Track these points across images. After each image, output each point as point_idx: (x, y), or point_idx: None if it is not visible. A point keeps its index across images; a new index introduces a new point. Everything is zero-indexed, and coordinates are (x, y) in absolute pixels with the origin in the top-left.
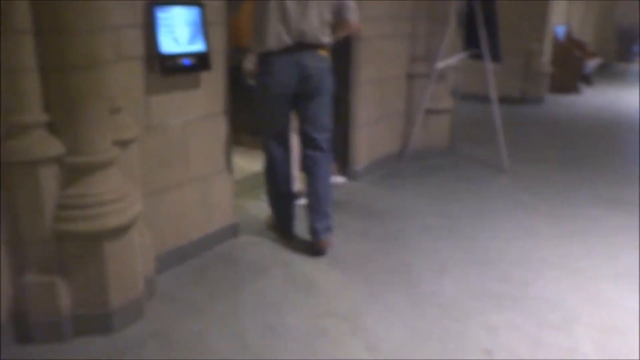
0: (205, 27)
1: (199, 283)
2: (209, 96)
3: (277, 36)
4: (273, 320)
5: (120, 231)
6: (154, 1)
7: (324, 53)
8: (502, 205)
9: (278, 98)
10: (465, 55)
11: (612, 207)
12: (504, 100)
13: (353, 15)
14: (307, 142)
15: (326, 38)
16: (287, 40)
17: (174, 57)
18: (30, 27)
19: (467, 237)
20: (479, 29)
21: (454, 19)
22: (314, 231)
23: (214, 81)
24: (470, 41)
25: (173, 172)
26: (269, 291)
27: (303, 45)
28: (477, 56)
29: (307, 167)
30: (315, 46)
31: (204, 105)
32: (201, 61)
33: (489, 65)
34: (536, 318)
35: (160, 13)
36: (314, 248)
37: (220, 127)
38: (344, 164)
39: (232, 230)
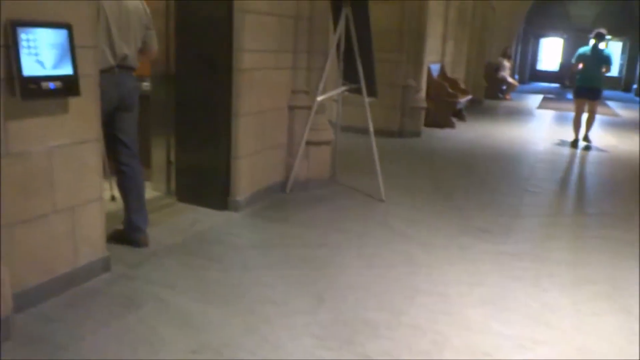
0: (73, 50)
1: (62, 321)
2: (78, 122)
3: (104, 57)
4: (143, 357)
5: None
6: (16, 21)
7: (135, 75)
8: (379, 234)
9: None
10: (344, 89)
11: (480, 236)
12: (383, 133)
13: (156, 44)
14: (123, 150)
15: (137, 62)
16: (111, 61)
17: (37, 80)
18: None
19: (345, 266)
20: (357, 64)
21: (333, 53)
22: (141, 229)
23: (84, 107)
24: (349, 76)
25: (36, 202)
26: (139, 327)
27: (124, 68)
28: (355, 90)
29: (127, 172)
30: (132, 69)
31: (72, 132)
32: (69, 86)
33: (367, 100)
34: (408, 345)
35: (23, 34)
36: (143, 243)
37: (90, 155)
38: (224, 195)
39: (103, 264)
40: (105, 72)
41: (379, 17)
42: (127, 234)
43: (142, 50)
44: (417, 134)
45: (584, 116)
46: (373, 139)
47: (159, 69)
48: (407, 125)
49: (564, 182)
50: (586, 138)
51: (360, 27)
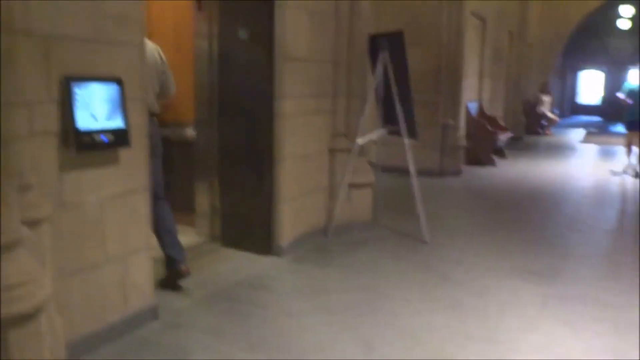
0: (124, 103)
1: None
2: (128, 173)
3: None
4: None
5: (27, 318)
6: (70, 77)
7: (156, 119)
8: (425, 278)
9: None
10: (384, 131)
11: (528, 278)
12: (423, 173)
13: (173, 87)
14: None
15: (157, 106)
16: None
17: (90, 134)
18: None
19: (392, 312)
20: (396, 106)
21: (372, 96)
22: (179, 260)
23: (134, 157)
24: (388, 118)
25: (88, 251)
26: None
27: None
28: (395, 132)
29: (158, 213)
30: (153, 114)
31: (122, 182)
32: (120, 137)
33: (407, 142)
34: None
35: (77, 89)
36: (183, 275)
37: (139, 204)
38: (268, 240)
39: (152, 312)
40: None
41: (415, 59)
42: (169, 274)
43: (161, 94)
44: (457, 172)
45: (635, 149)
46: (414, 180)
47: (202, 115)
48: (448, 165)
49: (613, 218)
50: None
51: (398, 70)
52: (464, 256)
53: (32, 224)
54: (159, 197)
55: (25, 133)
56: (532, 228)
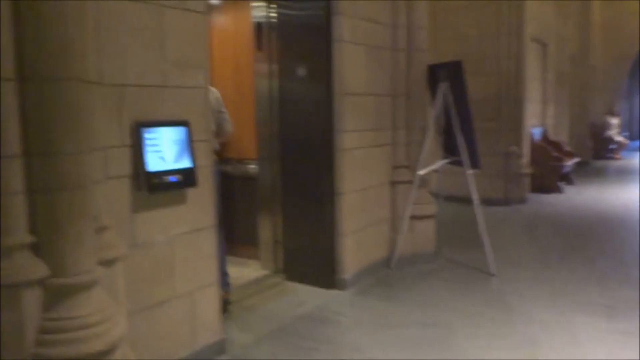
0: (191, 145)
1: None
2: (195, 211)
3: None
4: None
5: (103, 355)
6: (141, 123)
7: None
8: (493, 312)
9: None
10: (446, 162)
11: (605, 313)
12: (487, 201)
13: (229, 126)
14: None
15: (215, 144)
16: None
17: (160, 175)
18: (20, 151)
19: (459, 348)
20: (457, 136)
21: (433, 127)
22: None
23: (201, 196)
24: (449, 148)
25: (158, 288)
26: None
27: None
28: (457, 163)
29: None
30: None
31: (190, 220)
32: (187, 177)
33: (470, 172)
34: None
35: (147, 134)
36: (226, 300)
37: (207, 241)
38: (331, 273)
39: (219, 347)
40: None
41: (476, 87)
42: None
43: (217, 133)
44: (522, 200)
45: None
46: (479, 211)
47: (263, 151)
48: (512, 193)
49: None
50: None
51: (458, 100)
52: (533, 289)
53: (107, 263)
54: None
55: (101, 177)
56: (604, 258)
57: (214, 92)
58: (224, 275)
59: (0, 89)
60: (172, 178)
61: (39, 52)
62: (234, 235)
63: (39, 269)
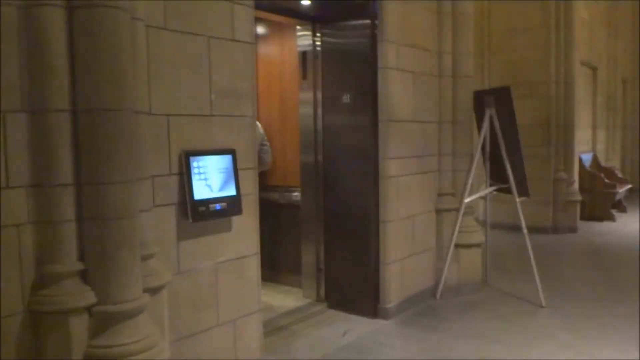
0: (236, 173)
1: None
2: (240, 239)
3: None
4: None
5: None
6: (189, 152)
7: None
8: (544, 347)
9: None
10: (493, 189)
11: None
12: (535, 229)
13: (269, 158)
14: None
15: None
16: None
17: (206, 203)
18: (72, 179)
19: None
20: (505, 163)
21: (479, 154)
22: None
23: (245, 224)
24: (496, 175)
25: (202, 316)
26: None
27: None
28: (505, 190)
29: None
30: None
31: (235, 248)
32: (232, 206)
33: (517, 200)
34: None
35: (195, 162)
36: None
37: (250, 269)
38: (374, 302)
39: None
40: None
41: (524, 112)
42: None
43: (259, 163)
44: (573, 229)
45: None
46: (527, 239)
47: (308, 178)
48: (562, 221)
49: None
50: None
51: (506, 126)
52: (587, 323)
53: (153, 290)
54: None
55: (148, 206)
56: None
57: (259, 126)
58: None
59: (55, 120)
60: (218, 206)
61: (92, 85)
62: (278, 263)
63: (87, 295)
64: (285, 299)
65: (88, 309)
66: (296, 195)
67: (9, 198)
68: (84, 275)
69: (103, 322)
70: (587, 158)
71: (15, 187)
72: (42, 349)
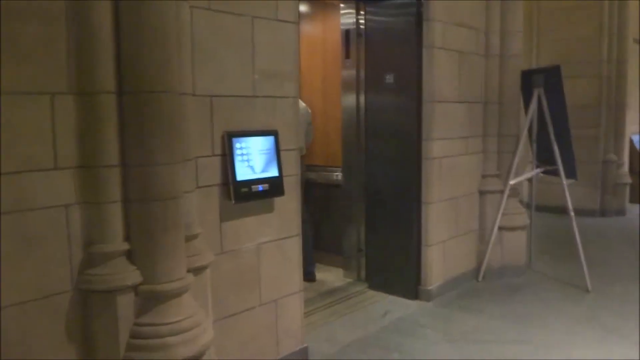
0: (279, 154)
1: None
2: (281, 220)
3: None
4: None
5: None
6: (232, 132)
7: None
8: (589, 332)
9: None
10: (539, 171)
11: None
12: (582, 212)
13: (310, 139)
14: None
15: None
16: None
17: (248, 184)
18: (118, 161)
19: None
20: (553, 145)
21: (525, 135)
22: (310, 272)
23: (287, 205)
24: (543, 157)
25: (244, 296)
26: None
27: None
28: (552, 172)
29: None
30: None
31: (277, 229)
32: (275, 187)
33: (565, 182)
34: None
35: (237, 143)
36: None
37: (292, 250)
38: (415, 283)
39: (302, 355)
40: None
41: (573, 92)
42: None
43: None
44: (621, 212)
45: None
46: (574, 222)
47: (349, 158)
48: (610, 203)
49: None
50: None
51: (554, 107)
52: (634, 308)
53: (197, 271)
54: (305, 221)
55: (192, 187)
56: None
57: (305, 106)
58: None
59: (101, 102)
60: (260, 187)
61: (138, 67)
62: (318, 243)
63: (133, 275)
64: (326, 278)
65: (134, 288)
66: (337, 175)
67: (58, 179)
68: (129, 256)
69: (148, 301)
70: (638, 139)
71: (64, 169)
72: (90, 326)
